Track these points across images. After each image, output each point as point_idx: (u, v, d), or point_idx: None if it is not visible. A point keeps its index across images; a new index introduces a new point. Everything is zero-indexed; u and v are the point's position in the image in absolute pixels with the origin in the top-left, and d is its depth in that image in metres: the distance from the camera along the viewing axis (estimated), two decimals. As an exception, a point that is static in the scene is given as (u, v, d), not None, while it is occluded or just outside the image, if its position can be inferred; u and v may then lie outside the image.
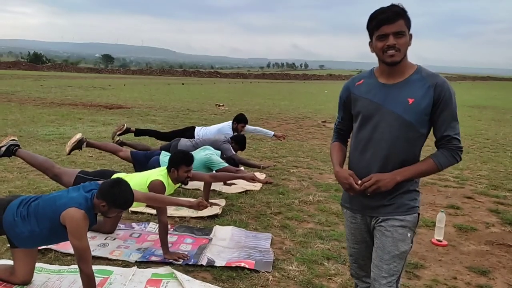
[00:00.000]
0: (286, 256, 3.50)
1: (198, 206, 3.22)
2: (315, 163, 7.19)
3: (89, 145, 5.16)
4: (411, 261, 3.46)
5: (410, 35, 1.89)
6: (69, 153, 4.96)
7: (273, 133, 6.84)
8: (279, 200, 4.95)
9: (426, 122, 1.92)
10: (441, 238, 3.94)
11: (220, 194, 5.17)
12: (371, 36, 1.93)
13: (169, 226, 3.62)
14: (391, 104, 1.91)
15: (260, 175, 5.76)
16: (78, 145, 4.99)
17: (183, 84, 36.84)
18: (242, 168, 5.36)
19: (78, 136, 5.02)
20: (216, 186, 5.29)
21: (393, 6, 1.86)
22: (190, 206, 3.27)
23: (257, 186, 5.41)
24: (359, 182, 1.92)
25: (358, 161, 2.02)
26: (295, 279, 3.12)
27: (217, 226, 4.06)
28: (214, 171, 4.74)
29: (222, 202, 4.75)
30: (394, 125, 1.91)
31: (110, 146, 5.41)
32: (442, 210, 4.10)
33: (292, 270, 3.23)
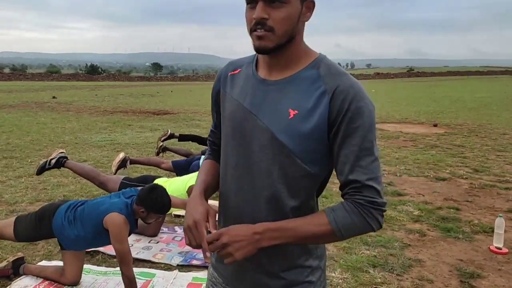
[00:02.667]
0: (328, 262, 3.35)
1: None
2: (362, 165, 6.94)
3: (132, 162, 5.41)
4: (467, 270, 3.22)
5: (310, 3, 1.15)
6: (115, 173, 5.13)
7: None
8: (323, 204, 4.79)
9: (319, 155, 1.14)
10: (500, 246, 3.63)
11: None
12: None
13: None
14: (265, 113, 1.16)
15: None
16: (123, 164, 5.19)
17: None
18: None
19: (121, 155, 5.23)
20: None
21: None
22: None
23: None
24: (207, 235, 1.12)
25: (226, 200, 1.27)
26: (338, 287, 2.98)
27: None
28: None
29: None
30: (268, 149, 1.15)
31: (152, 160, 5.64)
32: (501, 215, 3.79)
33: (335, 278, 3.09)
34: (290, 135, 1.12)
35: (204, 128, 11.14)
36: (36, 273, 3.11)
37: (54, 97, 22.36)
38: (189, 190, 3.57)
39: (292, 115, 1.12)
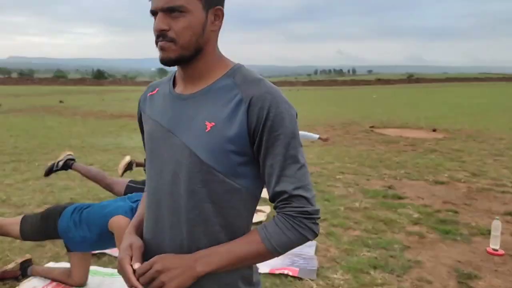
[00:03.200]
0: (330, 264, 3.38)
1: None
2: (362, 169, 6.97)
3: (138, 165, 5.43)
4: (464, 271, 3.23)
5: (217, 10, 1.06)
6: (121, 175, 5.15)
7: (318, 136, 6.74)
8: (324, 207, 4.82)
9: (244, 168, 1.06)
10: (497, 247, 3.65)
11: (265, 201, 5.10)
12: None
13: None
14: (182, 130, 1.07)
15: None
16: (129, 167, 5.21)
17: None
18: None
19: (127, 159, 5.26)
20: (264, 192, 5.24)
21: None
22: None
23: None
24: (137, 267, 1.04)
25: (149, 228, 1.15)
26: (340, 287, 3.00)
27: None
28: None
29: (267, 209, 4.69)
30: (189, 168, 1.04)
31: None
32: (497, 217, 3.80)
33: (336, 279, 3.11)
34: (209, 150, 1.02)
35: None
36: (43, 274, 3.13)
37: (61, 102, 22.46)
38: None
39: (209, 128, 1.03)
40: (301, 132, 6.90)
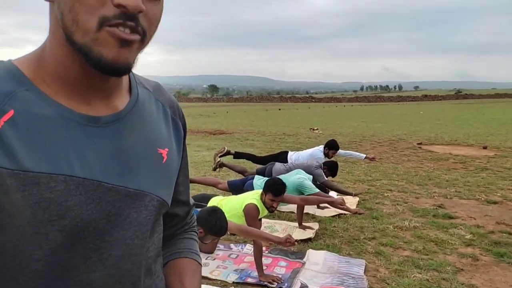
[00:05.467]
0: (380, 284, 3.24)
1: (285, 243, 3.10)
2: (410, 186, 6.70)
3: (190, 181, 5.50)
4: None
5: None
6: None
7: (364, 155, 6.63)
8: (373, 225, 4.66)
9: None
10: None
11: (313, 217, 5.03)
12: None
13: (263, 248, 3.57)
14: (129, 171, 0.68)
15: (354, 199, 5.54)
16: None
17: (279, 109, 37.42)
18: (333, 193, 5.20)
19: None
20: (310, 209, 5.16)
21: None
22: (278, 242, 3.17)
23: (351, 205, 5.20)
24: None
25: None
26: (391, 310, 2.86)
27: (310, 250, 3.92)
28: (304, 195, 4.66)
29: (316, 226, 4.60)
30: (144, 222, 0.70)
31: (208, 180, 5.67)
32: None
33: (387, 300, 2.98)
34: (170, 184, 0.78)
35: (258, 148, 11.22)
36: None
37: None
38: (246, 209, 3.60)
39: (165, 157, 0.75)
40: (348, 152, 6.86)
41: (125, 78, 0.72)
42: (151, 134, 0.74)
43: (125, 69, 0.61)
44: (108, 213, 0.65)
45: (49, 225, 0.60)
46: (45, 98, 0.62)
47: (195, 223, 0.97)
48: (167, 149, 0.76)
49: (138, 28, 0.59)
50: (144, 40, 0.62)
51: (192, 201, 0.95)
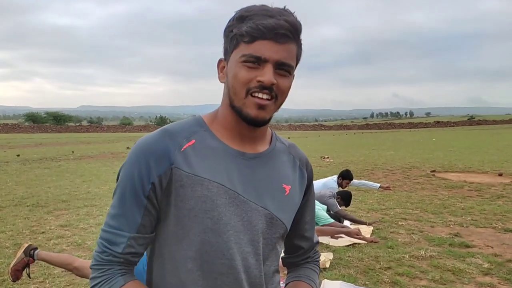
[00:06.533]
0: (398, 314, 3.27)
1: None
2: (425, 215, 6.73)
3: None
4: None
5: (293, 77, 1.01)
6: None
7: (378, 185, 6.68)
8: (388, 255, 4.69)
9: None
10: None
11: (327, 247, 5.07)
12: (230, 48, 0.97)
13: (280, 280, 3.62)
14: (259, 193, 1.01)
15: (368, 228, 5.57)
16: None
17: (289, 138, 37.53)
18: (347, 223, 5.24)
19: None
20: (323, 239, 5.21)
21: (288, 13, 0.93)
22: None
23: (365, 235, 5.23)
24: None
25: None
26: None
27: (325, 280, 3.96)
28: (319, 226, 4.72)
29: (330, 256, 4.64)
30: (267, 234, 1.03)
31: None
32: None
33: (405, 330, 3.00)
34: (289, 212, 1.08)
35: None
36: (48, 259, 3.17)
37: (128, 148, 23.67)
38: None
39: (288, 191, 1.07)
40: (362, 181, 6.93)
41: (268, 133, 1.10)
42: (279, 173, 1.07)
43: (263, 122, 0.98)
44: (242, 218, 0.98)
45: (204, 213, 0.95)
46: (214, 137, 1.01)
47: (319, 258, 1.27)
48: (290, 186, 1.08)
49: (272, 94, 0.94)
50: (276, 103, 0.97)
51: (316, 239, 1.25)
